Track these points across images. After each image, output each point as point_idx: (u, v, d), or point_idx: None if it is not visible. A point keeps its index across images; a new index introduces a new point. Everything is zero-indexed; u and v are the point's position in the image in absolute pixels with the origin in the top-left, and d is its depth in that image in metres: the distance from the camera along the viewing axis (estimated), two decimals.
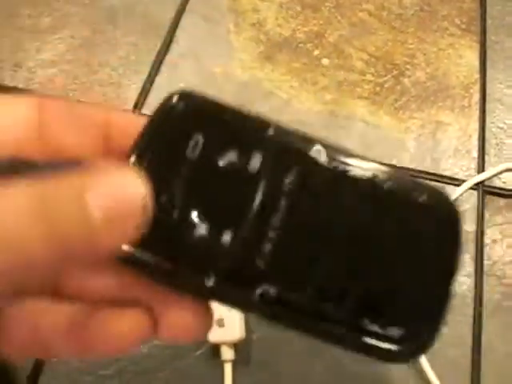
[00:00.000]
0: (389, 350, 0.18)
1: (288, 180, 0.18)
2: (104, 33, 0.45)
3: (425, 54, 0.46)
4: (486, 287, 0.38)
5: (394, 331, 0.18)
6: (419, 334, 0.18)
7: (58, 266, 0.15)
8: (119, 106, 0.42)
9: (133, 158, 0.18)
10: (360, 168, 0.19)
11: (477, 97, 0.45)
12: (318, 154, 0.19)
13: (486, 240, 0.40)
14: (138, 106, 0.42)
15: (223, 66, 0.44)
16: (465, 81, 0.45)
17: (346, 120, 0.43)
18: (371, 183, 0.19)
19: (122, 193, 0.15)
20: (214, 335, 0.33)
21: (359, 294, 0.18)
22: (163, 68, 0.44)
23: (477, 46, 0.47)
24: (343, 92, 0.44)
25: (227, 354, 0.34)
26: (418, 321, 0.18)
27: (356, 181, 0.19)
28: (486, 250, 0.39)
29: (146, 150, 0.18)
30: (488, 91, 0.45)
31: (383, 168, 0.19)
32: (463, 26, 0.48)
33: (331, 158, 0.19)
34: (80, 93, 0.42)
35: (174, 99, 0.19)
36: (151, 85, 0.43)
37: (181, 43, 0.45)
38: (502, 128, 0.44)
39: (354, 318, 0.18)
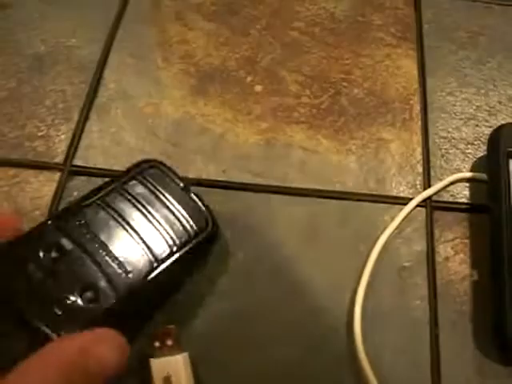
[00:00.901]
0: None
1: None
2: (30, 82, 0.44)
3: (361, 69, 0.45)
4: (440, 308, 0.37)
5: None
6: None
7: None
8: (50, 159, 0.40)
9: None
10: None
11: (418, 108, 0.43)
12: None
13: (438, 258, 0.39)
14: (68, 157, 0.41)
15: (154, 105, 0.43)
16: (404, 92, 0.44)
17: (284, 148, 0.41)
18: None
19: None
20: None
21: None
22: (92, 113, 0.43)
23: (414, 54, 0.46)
24: (279, 119, 0.42)
25: None
26: None
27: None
28: (439, 268, 0.38)
29: None
30: (429, 100, 0.44)
31: None
32: (399, 35, 0.47)
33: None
34: (7, 151, 0.41)
35: None
36: (81, 132, 0.42)
37: (109, 85, 0.44)
38: (445, 138, 0.43)
39: None
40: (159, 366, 0.32)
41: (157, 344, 0.33)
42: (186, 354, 0.33)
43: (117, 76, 0.44)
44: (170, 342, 0.33)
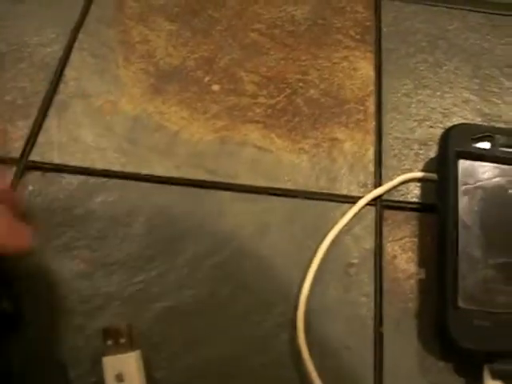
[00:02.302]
0: None
1: None
2: None
3: (318, 70, 0.45)
4: (385, 305, 0.37)
5: None
6: None
7: None
8: (6, 154, 0.41)
9: None
10: None
11: (372, 109, 0.44)
12: None
13: (386, 256, 0.39)
14: (25, 152, 0.41)
15: (112, 102, 0.43)
16: (360, 93, 0.45)
17: (238, 146, 0.42)
18: None
19: None
20: None
21: None
22: (52, 110, 0.43)
23: (372, 56, 0.46)
24: (234, 118, 0.43)
25: None
26: None
27: None
28: (386, 266, 0.39)
29: None
30: (384, 101, 0.44)
31: None
32: (358, 37, 0.47)
33: None
34: None
35: None
36: (39, 129, 0.42)
37: (69, 83, 0.44)
38: (399, 138, 0.43)
39: None
40: (111, 363, 0.33)
41: (109, 342, 0.33)
42: (138, 352, 0.33)
43: (77, 74, 0.45)
44: (122, 340, 0.33)
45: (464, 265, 0.36)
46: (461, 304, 0.35)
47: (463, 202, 0.38)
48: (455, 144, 0.40)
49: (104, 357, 0.33)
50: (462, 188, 0.39)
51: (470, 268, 0.36)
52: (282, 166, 0.41)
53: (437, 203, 0.39)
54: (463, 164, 0.39)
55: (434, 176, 0.41)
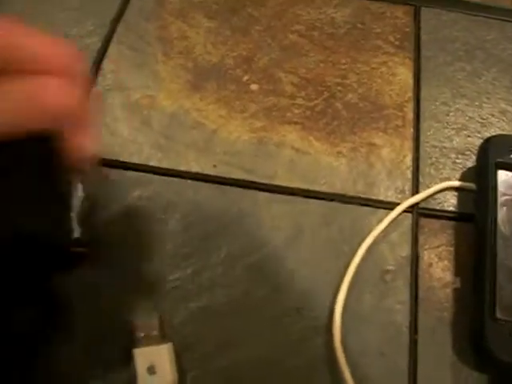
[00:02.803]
0: None
1: None
2: None
3: (357, 74, 0.45)
4: (420, 313, 0.37)
5: None
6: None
7: None
8: None
9: None
10: None
11: (410, 115, 0.44)
12: None
13: (422, 264, 0.39)
14: None
15: (150, 97, 0.43)
16: (398, 100, 0.44)
17: (276, 147, 0.42)
18: None
19: None
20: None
21: None
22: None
23: (410, 63, 0.46)
24: (273, 118, 0.43)
25: None
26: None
27: None
28: (422, 274, 0.38)
29: None
30: (422, 109, 0.44)
31: None
32: (397, 43, 0.47)
33: None
34: None
35: None
36: None
37: (107, 75, 0.44)
38: (436, 146, 0.43)
39: None
40: (143, 355, 0.32)
41: (141, 334, 0.33)
42: (170, 344, 0.33)
43: (115, 67, 0.45)
44: (154, 332, 0.33)
45: (502, 275, 0.36)
46: (499, 315, 0.35)
47: (502, 212, 0.38)
48: (495, 155, 0.40)
49: (135, 349, 0.32)
50: (500, 199, 0.38)
51: (509, 279, 0.36)
52: (319, 169, 0.41)
53: (475, 213, 0.39)
54: (502, 175, 0.39)
55: (471, 185, 0.41)
